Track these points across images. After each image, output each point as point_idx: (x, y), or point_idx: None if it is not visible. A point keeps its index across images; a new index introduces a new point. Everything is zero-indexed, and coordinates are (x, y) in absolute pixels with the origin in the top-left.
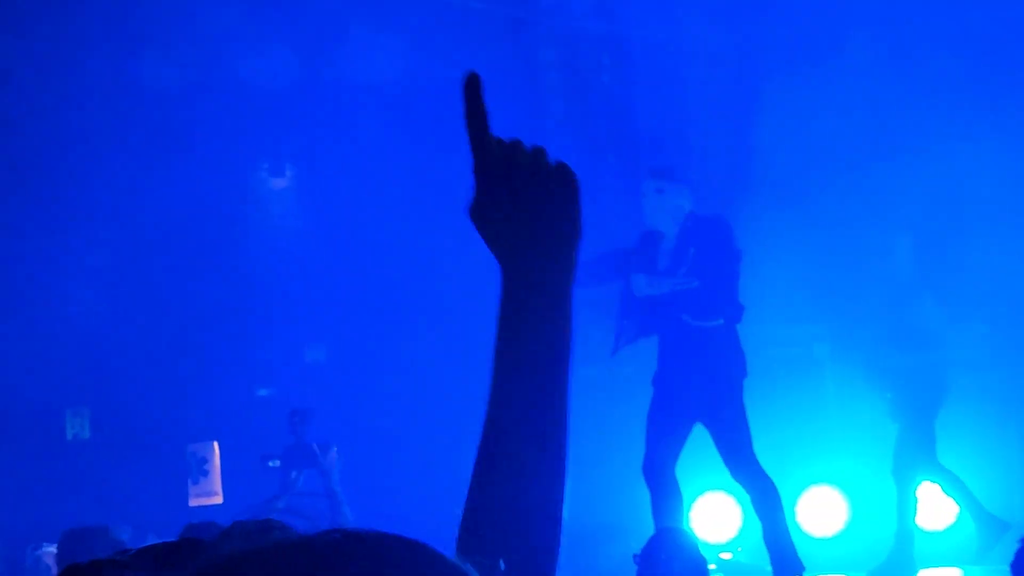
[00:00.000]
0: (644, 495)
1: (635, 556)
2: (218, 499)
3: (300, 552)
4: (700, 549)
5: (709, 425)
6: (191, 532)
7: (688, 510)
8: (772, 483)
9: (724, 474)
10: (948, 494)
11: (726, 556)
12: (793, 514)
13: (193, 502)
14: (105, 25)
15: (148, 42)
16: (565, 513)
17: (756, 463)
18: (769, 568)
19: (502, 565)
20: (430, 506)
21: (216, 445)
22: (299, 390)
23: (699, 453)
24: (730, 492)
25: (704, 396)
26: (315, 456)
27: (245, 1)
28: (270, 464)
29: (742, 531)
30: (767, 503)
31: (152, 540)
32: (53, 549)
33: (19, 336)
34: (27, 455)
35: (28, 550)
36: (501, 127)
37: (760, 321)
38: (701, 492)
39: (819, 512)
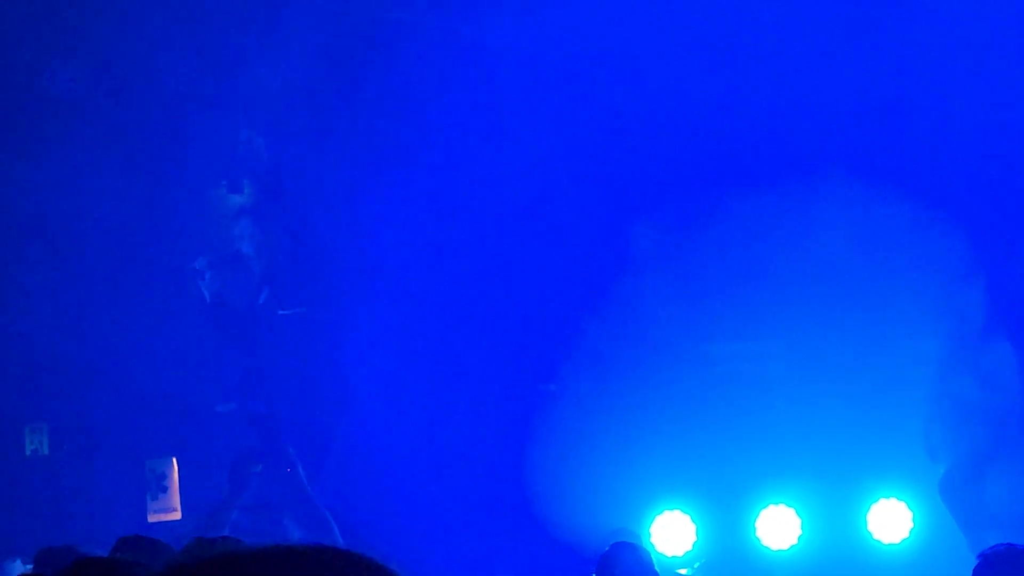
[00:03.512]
0: None
1: (591, 572)
2: (176, 515)
3: (244, 565)
4: (655, 563)
5: None
6: (44, 556)
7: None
8: None
9: (680, 493)
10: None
11: (683, 572)
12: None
13: (152, 518)
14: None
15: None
16: None
17: None
18: None
19: None
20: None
21: (175, 461)
22: (257, 405)
23: (659, 472)
24: (685, 510)
25: None
26: (291, 460)
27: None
28: (254, 470)
29: (696, 546)
30: None
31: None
32: (19, 564)
33: None
34: None
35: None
36: None
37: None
38: (659, 511)
39: (775, 529)
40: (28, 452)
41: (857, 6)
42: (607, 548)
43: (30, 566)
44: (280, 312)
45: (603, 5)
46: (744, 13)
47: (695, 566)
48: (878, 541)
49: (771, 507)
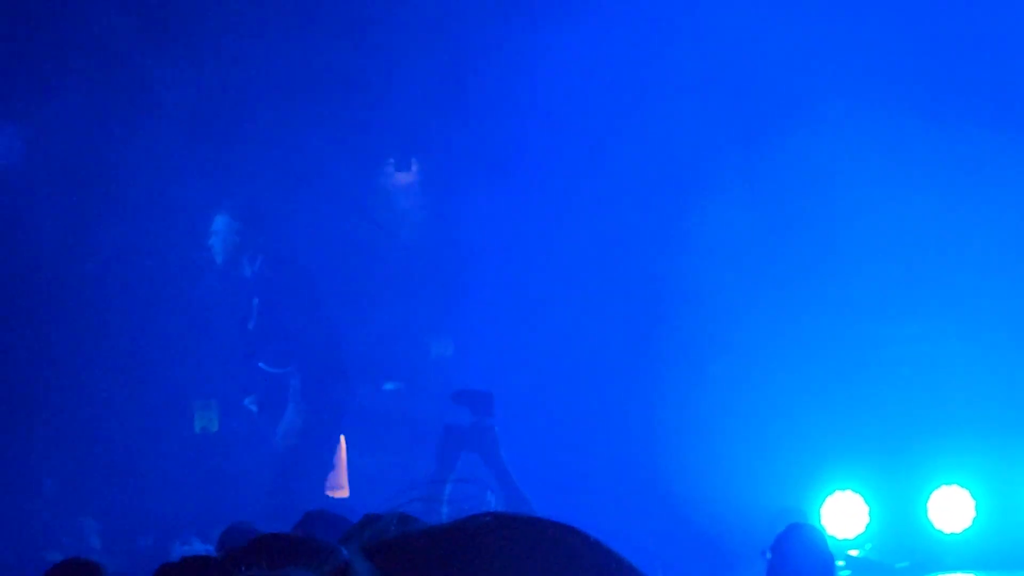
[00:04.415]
0: None
1: (764, 551)
2: (344, 492)
3: (450, 536)
4: (829, 545)
5: None
6: (309, 521)
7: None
8: None
9: (852, 473)
10: None
11: (854, 553)
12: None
13: None
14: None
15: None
16: None
17: None
18: (898, 564)
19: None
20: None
21: (343, 439)
22: (425, 384)
23: (830, 452)
24: (857, 490)
25: None
26: (494, 438)
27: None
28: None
29: (869, 528)
30: None
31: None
32: (194, 542)
33: (151, 329)
34: (160, 448)
35: (176, 544)
36: None
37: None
38: (830, 491)
39: (948, 511)
40: (197, 429)
41: None
42: (783, 529)
43: (209, 546)
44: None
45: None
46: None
47: (867, 547)
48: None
49: (944, 488)
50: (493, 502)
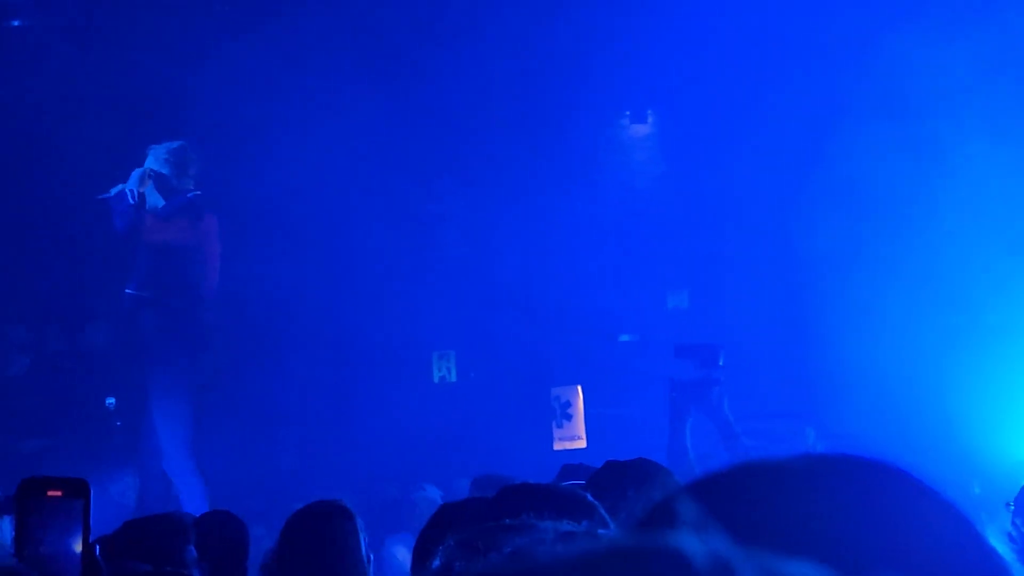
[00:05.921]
0: None
1: (1008, 503)
2: (581, 443)
3: (776, 475)
4: None
5: None
6: (567, 473)
7: None
8: None
9: None
10: None
11: None
12: None
13: (557, 446)
14: None
15: None
16: None
17: None
18: None
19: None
20: None
21: (580, 389)
22: (660, 336)
23: None
24: None
25: None
26: (720, 392)
27: None
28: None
29: None
30: None
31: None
32: (431, 489)
33: (388, 284)
34: (397, 398)
35: (412, 490)
36: None
37: None
38: None
39: None
40: (436, 379)
41: None
42: None
43: (441, 491)
44: None
45: None
46: None
47: None
48: None
49: None
50: (812, 437)
